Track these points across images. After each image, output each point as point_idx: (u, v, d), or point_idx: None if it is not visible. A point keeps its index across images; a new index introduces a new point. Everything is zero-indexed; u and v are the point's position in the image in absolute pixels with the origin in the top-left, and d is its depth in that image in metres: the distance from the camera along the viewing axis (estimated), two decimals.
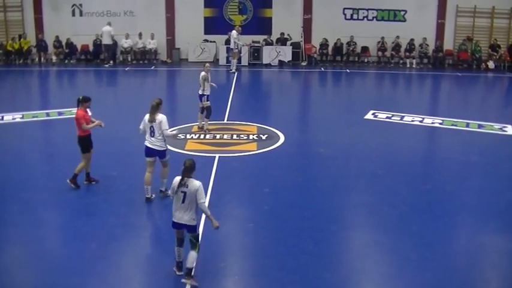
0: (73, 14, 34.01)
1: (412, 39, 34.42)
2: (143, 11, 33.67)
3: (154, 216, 12.88)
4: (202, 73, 18.42)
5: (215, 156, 15.99)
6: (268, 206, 12.90)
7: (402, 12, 35.08)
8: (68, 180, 13.69)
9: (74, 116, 13.72)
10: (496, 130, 20.17)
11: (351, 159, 16.63)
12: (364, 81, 30.99)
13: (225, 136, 18.22)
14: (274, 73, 32.43)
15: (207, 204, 10.16)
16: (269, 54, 33.46)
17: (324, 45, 34.50)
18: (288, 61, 33.64)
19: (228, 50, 32.52)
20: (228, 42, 32.88)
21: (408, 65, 34.37)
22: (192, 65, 32.34)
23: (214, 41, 34.06)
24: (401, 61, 34.75)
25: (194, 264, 9.58)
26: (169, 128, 13.12)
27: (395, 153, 17.70)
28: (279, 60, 33.45)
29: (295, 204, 13.14)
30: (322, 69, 33.01)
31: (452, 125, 20.66)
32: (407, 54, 34.61)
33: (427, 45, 34.85)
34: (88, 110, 13.72)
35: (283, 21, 34.07)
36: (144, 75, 31.36)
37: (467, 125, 20.74)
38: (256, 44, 33.59)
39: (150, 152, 12.99)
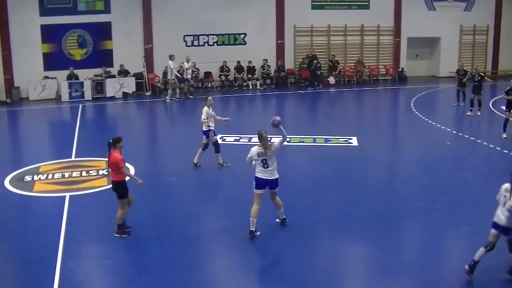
0: None
1: (250, 61, 35.32)
2: None
3: None
4: (205, 108, 17.81)
5: (65, 196, 15.57)
6: (125, 240, 12.72)
7: (242, 36, 35.95)
8: (115, 234, 12.84)
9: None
10: (342, 143, 20.98)
11: (203, 186, 16.71)
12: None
13: (74, 174, 17.74)
14: (119, 105, 32.05)
15: None
16: (112, 87, 33.11)
17: (167, 73, 34.52)
18: (132, 92, 33.41)
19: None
20: (70, 77, 32.36)
21: (251, 87, 35.11)
22: (34, 103, 31.43)
23: (55, 77, 33.15)
24: (244, 83, 35.43)
25: None
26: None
27: (246, 176, 17.96)
28: (123, 92, 33.15)
29: (153, 235, 13.03)
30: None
31: (300, 141, 21.26)
32: (250, 76, 35.36)
33: (269, 66, 35.88)
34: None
35: (124, 52, 33.83)
36: None
37: (314, 140, 21.46)
38: (98, 78, 33.14)
39: (263, 183, 12.84)
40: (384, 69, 38.76)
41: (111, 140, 12.83)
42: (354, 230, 13.21)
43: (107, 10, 34.08)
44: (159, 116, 30.53)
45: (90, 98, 32.41)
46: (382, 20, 37.92)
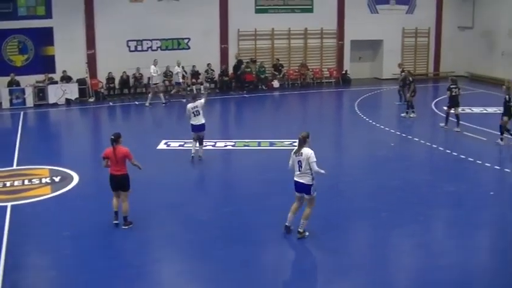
0: None
1: (194, 66, 35.14)
2: None
3: None
4: (198, 103, 19.32)
5: (7, 205, 15.20)
6: (69, 251, 12.48)
7: (186, 40, 35.71)
8: (123, 227, 13.46)
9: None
10: (286, 146, 20.97)
11: (149, 192, 16.46)
12: (153, 112, 30.92)
13: (16, 183, 17.33)
14: (62, 112, 31.41)
15: None
16: (55, 93, 32.49)
17: (110, 79, 34.15)
18: (75, 99, 32.86)
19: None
20: (10, 84, 31.65)
21: (195, 91, 34.87)
22: None
23: None
24: (188, 88, 35.20)
25: None
26: None
27: (192, 181, 17.95)
28: (66, 99, 32.58)
29: (98, 245, 12.82)
30: (111, 103, 32.47)
31: (245, 145, 21.24)
32: (194, 80, 35.19)
33: (213, 70, 35.74)
34: None
35: (66, 58, 33.21)
36: None
37: (259, 144, 21.44)
38: (40, 84, 32.52)
39: (297, 186, 13.04)
40: (327, 72, 38.92)
41: (113, 137, 13.46)
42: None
43: (48, 15, 33.37)
44: (104, 122, 30.15)
45: (32, 105, 31.67)
46: (325, 23, 38.12)
